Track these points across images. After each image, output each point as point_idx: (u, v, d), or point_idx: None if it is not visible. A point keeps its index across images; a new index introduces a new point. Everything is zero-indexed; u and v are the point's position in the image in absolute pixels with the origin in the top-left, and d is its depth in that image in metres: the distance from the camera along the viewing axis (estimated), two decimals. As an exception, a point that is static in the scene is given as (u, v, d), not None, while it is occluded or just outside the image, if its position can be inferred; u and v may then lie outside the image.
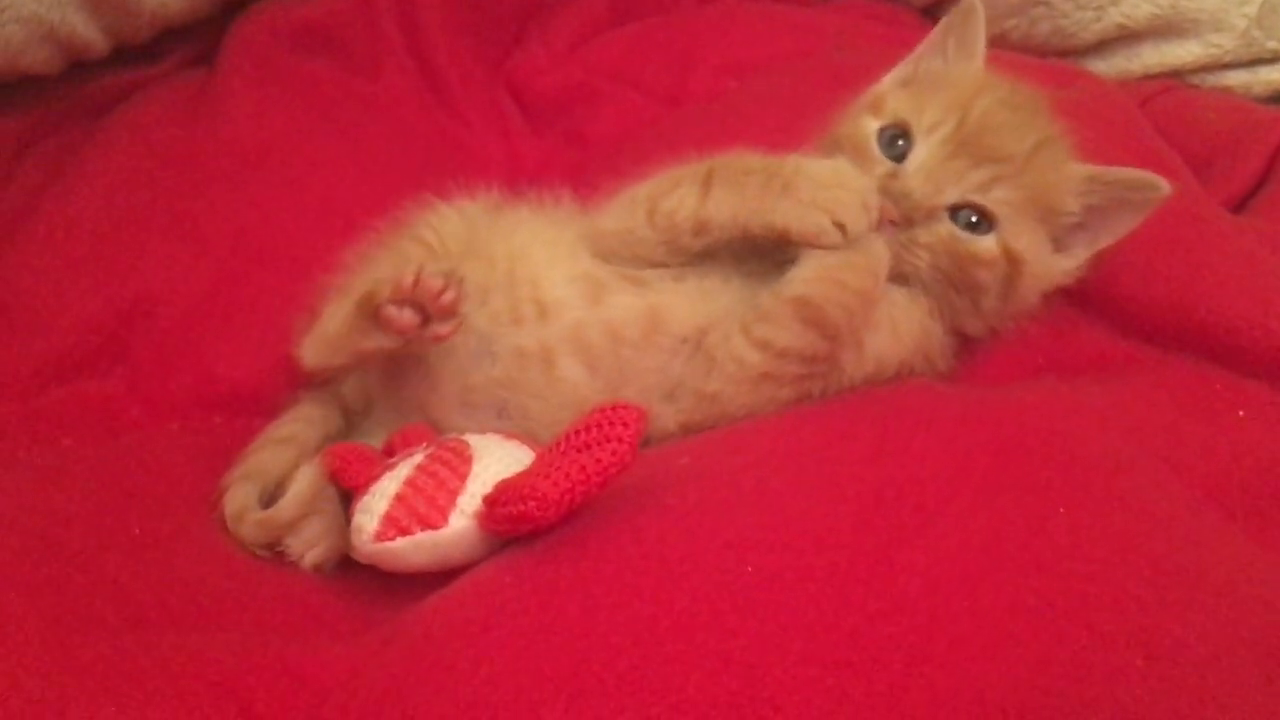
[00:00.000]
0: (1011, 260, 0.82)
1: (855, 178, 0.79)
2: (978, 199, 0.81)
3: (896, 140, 0.84)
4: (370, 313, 0.79)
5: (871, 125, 0.86)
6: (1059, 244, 0.86)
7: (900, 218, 0.81)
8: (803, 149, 0.88)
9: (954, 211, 0.81)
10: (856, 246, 0.77)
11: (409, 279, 0.77)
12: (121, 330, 0.97)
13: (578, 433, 0.63)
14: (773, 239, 0.79)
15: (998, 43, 1.36)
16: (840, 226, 0.76)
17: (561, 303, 0.84)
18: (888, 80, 0.93)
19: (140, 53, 1.20)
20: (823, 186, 0.78)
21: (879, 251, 0.78)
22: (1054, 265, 0.85)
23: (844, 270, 0.76)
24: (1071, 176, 0.84)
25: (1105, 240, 0.85)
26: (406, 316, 0.78)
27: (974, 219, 0.81)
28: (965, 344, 0.89)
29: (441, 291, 0.77)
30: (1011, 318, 0.88)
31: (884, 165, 0.83)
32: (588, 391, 0.82)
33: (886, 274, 0.79)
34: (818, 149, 0.89)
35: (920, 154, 0.83)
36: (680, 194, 0.83)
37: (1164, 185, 0.81)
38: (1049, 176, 0.83)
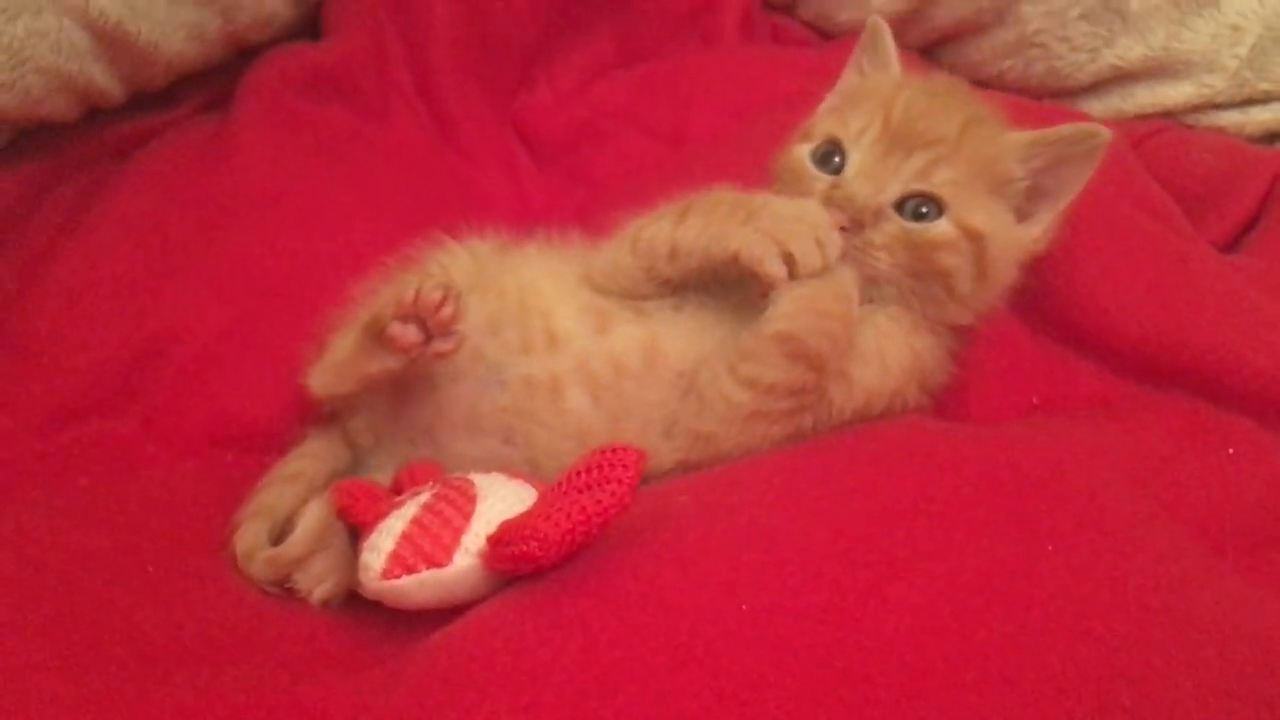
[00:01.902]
0: (971, 237, 0.82)
1: (815, 213, 0.80)
2: (920, 186, 0.82)
3: (831, 157, 0.86)
4: (376, 333, 0.82)
5: (803, 149, 0.89)
6: (1021, 214, 0.86)
7: (850, 223, 0.82)
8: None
9: (901, 205, 0.82)
10: (825, 275, 0.78)
11: (410, 294, 0.79)
12: (137, 370, 0.99)
13: (579, 473, 0.64)
14: (732, 267, 0.80)
15: (993, 84, 1.39)
16: (789, 258, 0.77)
17: (571, 333, 0.86)
18: (818, 112, 0.96)
19: (156, 99, 1.23)
20: (781, 219, 0.79)
21: (847, 276, 0.80)
22: (1020, 234, 0.86)
23: (819, 300, 0.77)
24: (1010, 144, 0.85)
25: (1065, 199, 0.85)
26: (410, 334, 0.80)
27: (923, 208, 0.82)
28: (959, 341, 0.90)
29: (441, 304, 0.79)
30: (995, 296, 0.88)
31: (824, 181, 0.85)
32: (592, 423, 0.83)
33: (858, 299, 0.80)
34: (770, 187, 0.91)
35: (855, 159, 0.85)
36: (660, 224, 0.85)
37: (1103, 131, 0.82)
38: (986, 148, 0.84)
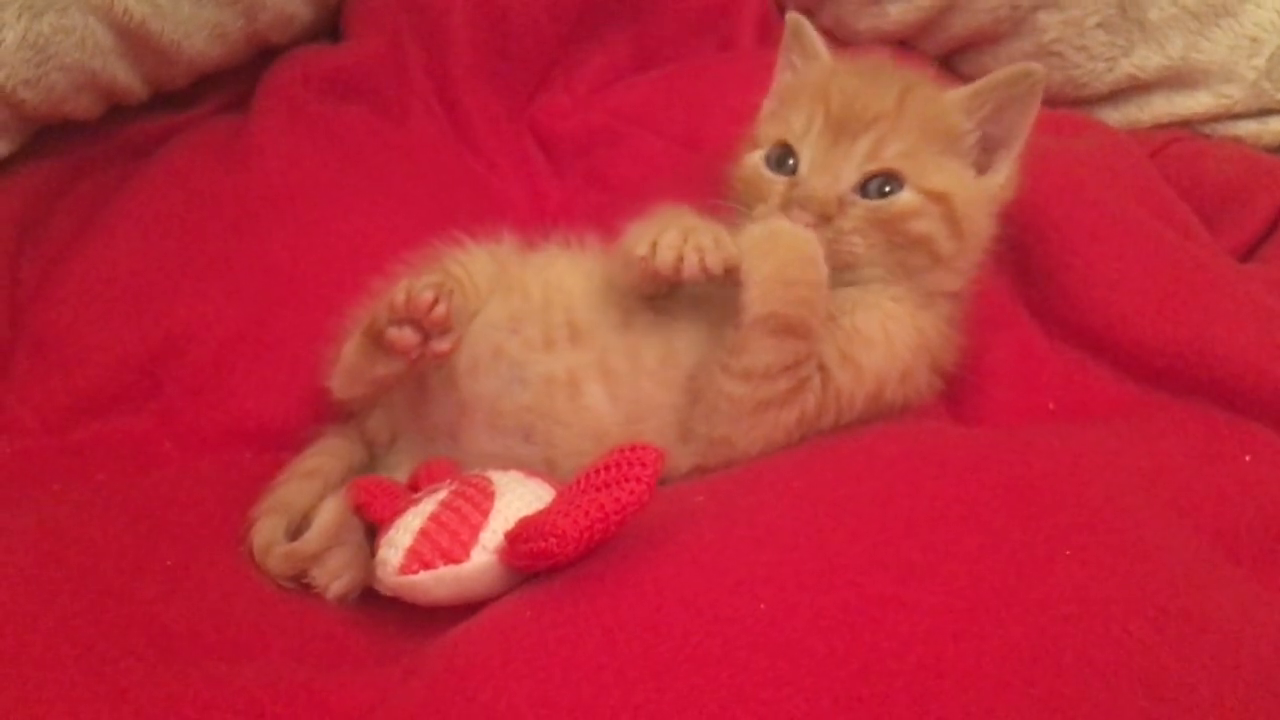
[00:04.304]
0: (936, 199, 0.83)
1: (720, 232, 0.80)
2: (874, 166, 0.83)
3: (785, 160, 0.87)
4: (375, 338, 0.82)
5: (755, 157, 0.90)
6: (980, 167, 0.88)
7: (816, 219, 0.83)
8: (718, 200, 0.92)
9: (864, 188, 0.83)
10: (779, 239, 0.79)
11: (401, 296, 0.79)
12: (155, 367, 0.99)
13: (597, 471, 0.64)
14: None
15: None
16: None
17: (594, 324, 0.87)
18: (760, 118, 0.97)
19: (177, 98, 1.23)
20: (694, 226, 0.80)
21: (804, 235, 0.80)
22: (984, 186, 0.87)
23: (784, 271, 0.78)
24: (950, 101, 0.86)
25: (1018, 142, 0.87)
26: (407, 336, 0.80)
27: (886, 186, 0.83)
28: (956, 308, 0.90)
29: (433, 304, 0.79)
30: (976, 252, 0.89)
31: (781, 183, 0.86)
32: (609, 423, 0.84)
33: (822, 257, 0.80)
34: (729, 199, 0.92)
35: (806, 156, 0.86)
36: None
37: (1036, 69, 0.84)
38: (928, 110, 0.85)
